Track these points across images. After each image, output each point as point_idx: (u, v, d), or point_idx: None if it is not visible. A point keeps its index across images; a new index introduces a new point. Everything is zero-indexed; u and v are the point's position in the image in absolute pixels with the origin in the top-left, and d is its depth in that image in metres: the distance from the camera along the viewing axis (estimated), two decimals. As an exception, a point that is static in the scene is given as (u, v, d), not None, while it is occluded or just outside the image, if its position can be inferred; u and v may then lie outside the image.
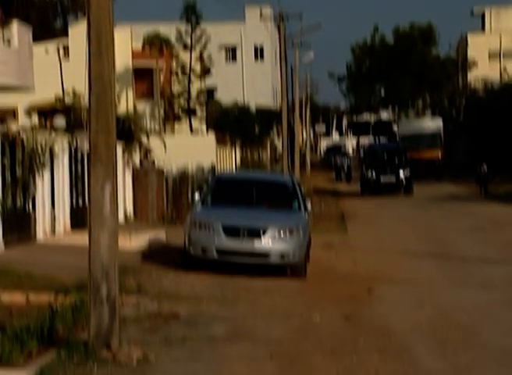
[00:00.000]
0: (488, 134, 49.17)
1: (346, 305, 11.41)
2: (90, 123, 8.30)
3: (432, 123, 49.92)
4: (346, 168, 49.82)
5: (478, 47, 64.47)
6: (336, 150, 67.07)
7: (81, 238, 14.74)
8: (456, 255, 17.16)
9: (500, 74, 57.20)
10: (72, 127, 20.20)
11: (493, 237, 20.47)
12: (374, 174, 37.01)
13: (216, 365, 8.05)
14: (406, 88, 64.27)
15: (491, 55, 67.51)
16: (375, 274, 14.55)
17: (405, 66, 64.60)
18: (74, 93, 24.46)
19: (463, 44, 69.48)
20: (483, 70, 61.44)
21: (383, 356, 8.43)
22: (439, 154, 46.73)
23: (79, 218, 19.08)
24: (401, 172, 36.67)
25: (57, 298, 10.15)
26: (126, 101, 37.75)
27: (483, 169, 37.32)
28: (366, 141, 64.18)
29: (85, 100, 18.82)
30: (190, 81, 47.06)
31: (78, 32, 34.34)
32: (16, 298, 10.59)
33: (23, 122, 29.69)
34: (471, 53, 65.80)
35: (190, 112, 47.44)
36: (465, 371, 7.90)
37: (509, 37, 65.45)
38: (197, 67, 47.81)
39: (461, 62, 66.35)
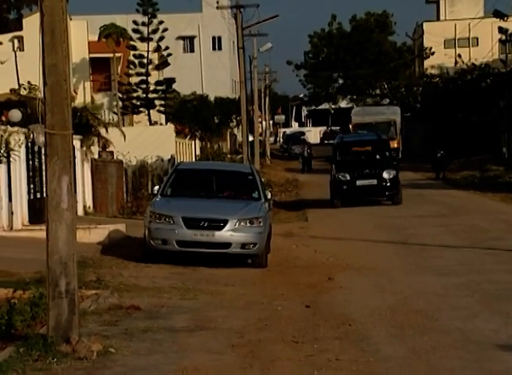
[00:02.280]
0: (445, 121, 49.75)
1: (307, 294, 11.47)
2: (46, 116, 8.21)
3: (388, 111, 47.18)
4: (305, 157, 49.90)
5: (433, 35, 65.07)
6: (296, 138, 67.21)
7: (39, 232, 14.64)
8: (415, 242, 17.33)
9: (455, 61, 57.81)
10: (29, 120, 19.95)
11: (451, 223, 20.71)
12: (347, 175, 25.75)
13: (177, 356, 8.04)
14: (363, 76, 64.67)
15: (446, 43, 68.23)
16: (335, 262, 14.65)
17: (362, 54, 65.00)
18: (30, 85, 24.17)
19: (419, 32, 70.12)
20: (439, 58, 62.09)
21: (344, 344, 8.49)
22: (396, 143, 43.61)
23: (37, 212, 18.91)
24: (385, 172, 25.68)
25: (15, 293, 10.05)
26: (84, 93, 37.44)
27: (439, 156, 37.79)
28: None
29: (41, 92, 18.61)
30: (147, 72, 46.78)
31: (32, 23, 34.00)
32: (-27, 293, 10.46)
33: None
34: (427, 41, 66.45)
35: (149, 104, 47.19)
36: (424, 356, 7.99)
37: (463, 25, 66.16)
38: (155, 58, 47.57)
39: (417, 50, 66.96)
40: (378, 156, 26.76)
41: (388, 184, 25.67)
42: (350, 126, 47.09)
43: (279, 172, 48.97)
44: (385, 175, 25.66)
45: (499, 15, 49.44)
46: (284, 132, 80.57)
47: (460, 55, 58.08)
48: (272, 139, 78.63)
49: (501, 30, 50.27)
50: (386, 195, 26.10)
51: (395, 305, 10.53)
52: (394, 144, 40.81)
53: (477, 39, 68.19)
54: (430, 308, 10.31)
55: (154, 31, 47.12)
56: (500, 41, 53.95)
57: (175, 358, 7.94)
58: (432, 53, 63.95)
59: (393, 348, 8.33)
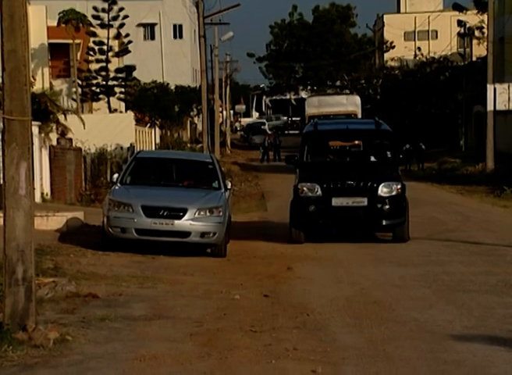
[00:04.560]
0: (404, 113, 50.18)
1: (265, 284, 11.51)
2: (4, 102, 8.11)
3: (347, 101, 40.49)
4: (266, 147, 49.96)
5: (393, 27, 65.63)
6: (256, 128, 67.24)
7: (-4, 219, 14.44)
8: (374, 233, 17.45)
9: (415, 54, 58.38)
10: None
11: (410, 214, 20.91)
12: (317, 188, 15.60)
13: (135, 345, 8.02)
14: (324, 68, 64.96)
15: (406, 36, 68.84)
16: (294, 253, 14.70)
17: (323, 46, 65.29)
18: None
19: (379, 24, 70.64)
20: (399, 50, 62.68)
21: (302, 333, 8.54)
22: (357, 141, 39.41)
23: (-6, 198, 18.66)
24: (383, 186, 15.54)
25: (-29, 280, 9.91)
26: (42, 80, 36.99)
27: (407, 148, 38.20)
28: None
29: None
30: (107, 59, 46.38)
31: (-9, 8, 33.42)
32: None
33: None
34: (387, 33, 67.00)
35: (109, 91, 46.81)
36: (380, 345, 8.08)
37: (423, 18, 66.80)
38: (115, 45, 47.17)
39: (378, 42, 67.47)
40: (372, 158, 16.65)
41: (387, 207, 15.19)
42: (305, 120, 40.70)
43: (238, 161, 48.98)
44: (384, 190, 15.28)
45: (458, 8, 49.96)
46: (245, 123, 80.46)
47: (419, 48, 58.66)
48: (232, 128, 78.60)
49: (460, 23, 50.86)
50: (383, 226, 15.44)
51: (353, 296, 10.62)
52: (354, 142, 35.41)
53: (436, 32, 68.96)
54: (387, 298, 10.41)
55: (115, 18, 46.71)
56: (459, 34, 54.57)
57: (133, 347, 7.92)
58: (393, 47, 64.50)
59: (350, 337, 8.41)
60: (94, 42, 46.21)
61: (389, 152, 16.47)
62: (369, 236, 16.33)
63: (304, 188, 15.54)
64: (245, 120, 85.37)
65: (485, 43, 38.49)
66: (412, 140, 40.06)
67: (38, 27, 36.44)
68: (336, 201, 15.42)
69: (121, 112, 46.14)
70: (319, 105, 40.21)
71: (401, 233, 15.62)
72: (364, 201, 15.40)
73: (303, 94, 72.38)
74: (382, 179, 15.59)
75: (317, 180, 15.56)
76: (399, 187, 15.62)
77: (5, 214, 8.04)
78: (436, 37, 68.19)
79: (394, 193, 15.53)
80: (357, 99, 41.10)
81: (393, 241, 15.59)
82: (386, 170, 16.00)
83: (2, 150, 8.17)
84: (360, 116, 38.92)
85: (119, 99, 48.03)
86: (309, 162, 16.34)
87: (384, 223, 15.46)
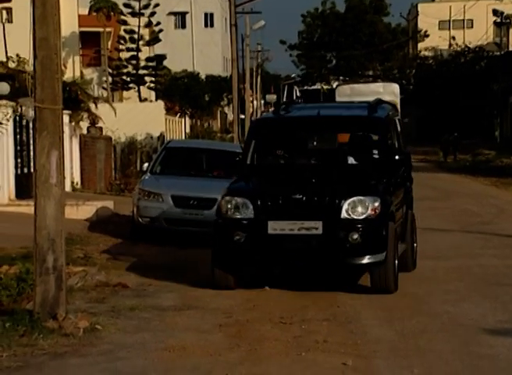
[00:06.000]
0: (438, 104, 49.71)
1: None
2: (36, 90, 8.09)
3: (384, 90, 34.09)
4: None
5: (428, 16, 64.97)
6: None
7: (26, 207, 14.54)
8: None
9: (450, 44, 57.80)
10: (17, 93, 19.76)
11: (441, 206, 20.71)
12: (248, 205, 9.76)
13: (164, 335, 8.00)
14: (356, 57, 64.54)
15: (441, 25, 68.16)
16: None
17: (356, 35, 64.85)
18: (18, 58, 23.95)
19: (413, 13, 70.03)
20: (433, 40, 62.07)
21: (332, 325, 8.46)
22: None
23: (24, 187, 18.77)
24: (347, 203, 9.64)
25: (1, 268, 9.97)
26: (73, 68, 37.15)
27: (446, 138, 38.13)
28: None
29: (30, 66, 18.45)
30: (138, 48, 46.48)
31: (22, -5, 33.64)
32: (-41, 268, 10.37)
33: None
34: (421, 22, 66.38)
35: (139, 80, 46.93)
36: (412, 339, 7.98)
37: (458, 6, 66.05)
38: (146, 34, 47.27)
39: (411, 32, 66.89)
40: (351, 159, 10.86)
41: (354, 237, 9.63)
42: None
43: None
44: (351, 210, 9.71)
45: (494, -4, 49.35)
46: None
47: (454, 38, 58.07)
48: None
49: (496, 12, 50.22)
50: (348, 266, 9.89)
51: (383, 288, 10.47)
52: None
53: (472, 21, 68.12)
54: (418, 291, 10.29)
55: (146, 6, 46.77)
56: (495, 23, 53.90)
57: (162, 337, 7.90)
58: (427, 36, 63.86)
59: (381, 330, 8.31)
60: (124, 31, 46.33)
61: (376, 151, 10.78)
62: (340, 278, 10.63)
63: (229, 205, 9.88)
64: None
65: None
66: (448, 130, 39.85)
67: (69, 15, 36.59)
68: (273, 227, 9.63)
69: (151, 101, 46.24)
70: (351, 93, 35.28)
71: (380, 277, 9.76)
72: (318, 227, 9.55)
73: (334, 85, 71.91)
74: (349, 192, 9.72)
75: (249, 194, 9.88)
76: (376, 204, 9.62)
77: (36, 203, 8.04)
78: (472, 26, 67.38)
79: (368, 214, 9.61)
80: (396, 87, 35.31)
81: (372, 288, 9.93)
82: (362, 178, 10.24)
83: (34, 138, 8.16)
84: (399, 106, 31.71)
85: (150, 88, 48.14)
86: (253, 166, 10.92)
87: (349, 260, 9.64)
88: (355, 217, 9.66)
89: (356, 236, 9.57)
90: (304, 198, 9.71)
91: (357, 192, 9.76)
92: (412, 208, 11.87)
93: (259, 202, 9.76)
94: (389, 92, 33.49)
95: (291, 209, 9.69)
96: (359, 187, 9.94)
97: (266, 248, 9.69)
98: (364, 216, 9.65)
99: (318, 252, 9.65)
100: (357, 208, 9.66)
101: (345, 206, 9.64)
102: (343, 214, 9.63)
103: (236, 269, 10.02)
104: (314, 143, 11.42)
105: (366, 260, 9.64)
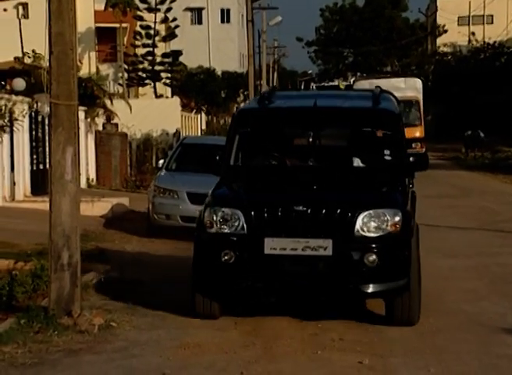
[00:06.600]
0: (457, 100, 49.30)
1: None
2: (51, 86, 8.07)
3: (405, 85, 31.32)
4: None
5: (447, 11, 64.52)
6: None
7: (42, 203, 14.55)
8: (421, 223, 17.06)
9: (469, 39, 57.37)
10: (32, 89, 19.79)
11: (460, 204, 20.55)
12: (239, 218, 7.92)
13: (179, 332, 7.96)
14: (374, 53, 64.27)
15: (460, 21, 67.65)
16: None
17: (374, 31, 64.56)
18: (34, 54, 23.98)
19: (432, 9, 69.60)
20: (452, 35, 61.63)
21: (348, 324, 8.39)
22: (419, 132, 29.87)
23: (39, 183, 18.81)
24: (361, 218, 7.83)
25: (16, 264, 9.97)
26: (89, 64, 37.20)
27: (470, 134, 37.97)
28: None
29: (46, 61, 18.47)
30: (154, 44, 46.48)
31: (38, -10, 33.69)
32: (-26, 264, 10.39)
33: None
34: (440, 18, 65.94)
35: (155, 76, 46.94)
36: (429, 337, 7.91)
37: (478, 2, 65.51)
38: (162, 30, 47.25)
39: (430, 27, 66.50)
40: (357, 161, 9.00)
41: (372, 258, 7.77)
42: None
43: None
44: (367, 226, 7.87)
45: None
46: None
47: (473, 33, 57.61)
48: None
49: (516, 7, 49.81)
50: (363, 294, 8.10)
51: (400, 286, 10.38)
52: (416, 134, 28.59)
53: (492, 16, 67.52)
54: (436, 290, 10.19)
55: (162, 2, 46.73)
56: (516, 18, 53.48)
57: (177, 334, 7.86)
58: (445, 31, 63.39)
59: (398, 329, 8.23)
60: (140, 26, 46.32)
61: (387, 151, 8.98)
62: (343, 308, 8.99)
63: (215, 217, 8.16)
64: None
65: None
66: (469, 127, 39.59)
67: (85, 11, 36.63)
68: (271, 245, 7.86)
69: (167, 97, 46.23)
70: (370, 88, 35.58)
71: (403, 308, 8.15)
72: (327, 247, 7.81)
73: (351, 81, 71.64)
74: (364, 203, 8.02)
75: (240, 203, 8.11)
76: (397, 219, 7.93)
77: (51, 199, 8.02)
78: (492, 21, 66.78)
79: (388, 230, 7.90)
80: (418, 82, 32.42)
81: (387, 320, 8.27)
82: (376, 186, 8.47)
83: (49, 134, 8.14)
84: (421, 102, 31.20)
85: (165, 84, 48.13)
86: (239, 167, 9.14)
87: (365, 288, 7.92)
88: (372, 235, 7.84)
89: (373, 258, 7.76)
90: (309, 211, 7.81)
91: (374, 203, 7.93)
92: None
93: (253, 214, 7.86)
94: (412, 87, 30.88)
95: (293, 224, 7.82)
96: (375, 197, 8.15)
97: (262, 271, 7.81)
98: (382, 233, 7.85)
99: (326, 278, 7.84)
100: (373, 223, 7.84)
101: (359, 221, 7.80)
102: (357, 230, 7.80)
103: (222, 295, 8.23)
104: (310, 140, 8.95)
105: (385, 287, 7.89)
